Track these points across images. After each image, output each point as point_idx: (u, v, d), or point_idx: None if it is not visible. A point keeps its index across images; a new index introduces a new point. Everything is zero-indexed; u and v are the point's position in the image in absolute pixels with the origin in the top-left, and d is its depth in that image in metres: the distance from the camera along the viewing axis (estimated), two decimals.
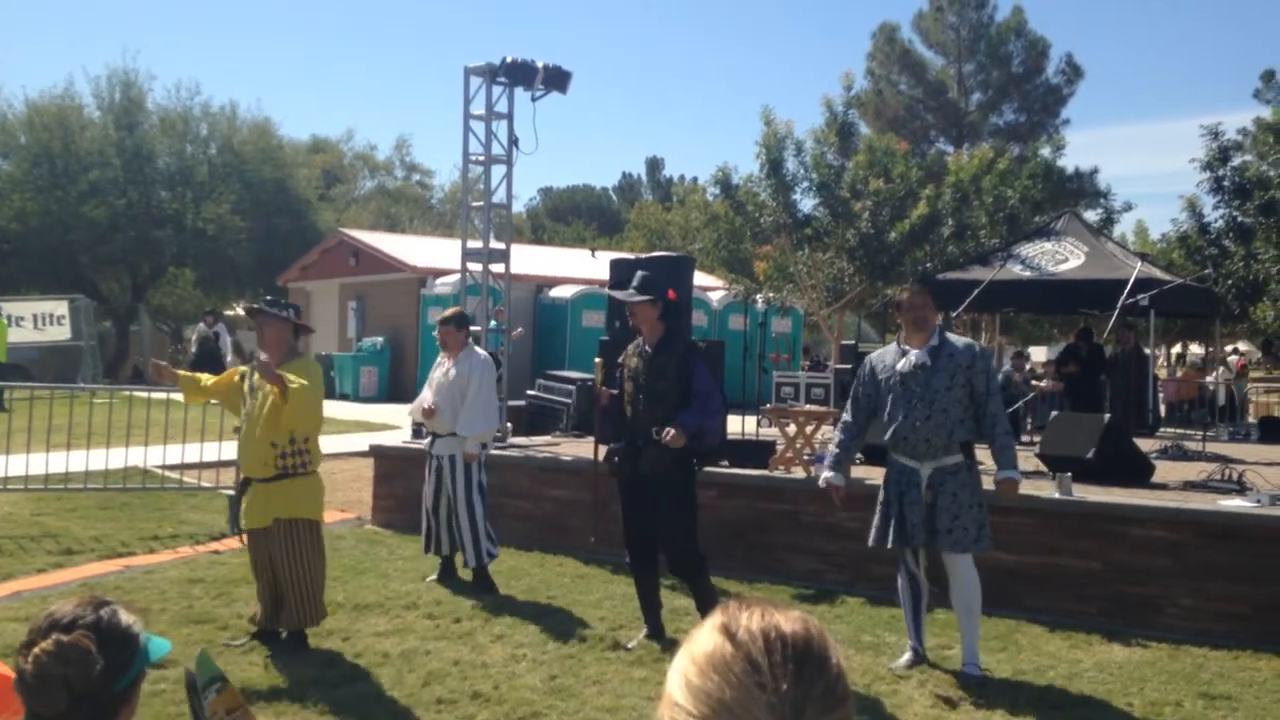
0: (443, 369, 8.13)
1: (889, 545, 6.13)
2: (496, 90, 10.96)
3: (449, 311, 8.60)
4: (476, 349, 8.35)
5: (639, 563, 6.60)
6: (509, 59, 10.76)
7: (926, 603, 6.32)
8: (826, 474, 6.40)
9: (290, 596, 6.25)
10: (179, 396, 7.41)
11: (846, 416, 6.42)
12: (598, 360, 6.75)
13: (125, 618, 1.98)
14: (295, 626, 6.32)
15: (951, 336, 6.20)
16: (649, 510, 6.43)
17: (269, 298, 6.82)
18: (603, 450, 6.85)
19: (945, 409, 5.91)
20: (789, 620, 1.23)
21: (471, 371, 8.00)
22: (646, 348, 6.52)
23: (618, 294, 6.57)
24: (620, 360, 6.74)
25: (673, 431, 6.12)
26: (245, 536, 6.52)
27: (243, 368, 6.68)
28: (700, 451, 6.48)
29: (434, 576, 8.14)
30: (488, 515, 8.06)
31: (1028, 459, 9.86)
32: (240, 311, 40.21)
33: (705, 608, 5.84)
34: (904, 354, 6.10)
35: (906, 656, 6.25)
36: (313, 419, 6.36)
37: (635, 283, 6.59)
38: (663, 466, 6.31)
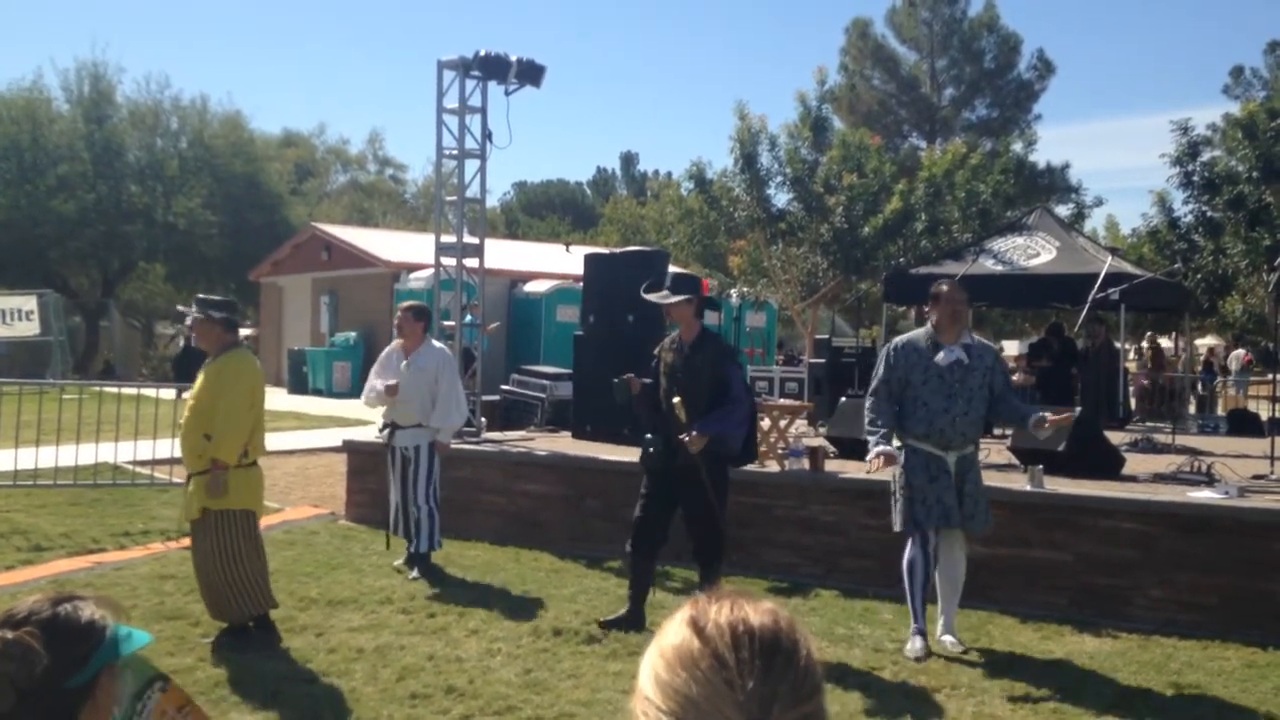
0: (401, 362, 8.13)
1: (922, 527, 6.23)
2: (470, 84, 10.91)
3: (413, 301, 8.67)
4: (435, 342, 8.42)
5: (641, 549, 6.67)
6: (482, 53, 10.72)
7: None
8: (880, 447, 6.29)
9: (227, 590, 6.13)
10: (149, 391, 7.35)
11: (877, 400, 6.40)
12: (628, 377, 6.78)
13: (88, 613, 1.96)
14: (224, 618, 6.19)
15: (977, 337, 6.59)
16: (670, 501, 6.56)
17: (198, 297, 6.75)
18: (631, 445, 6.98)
19: (979, 405, 6.28)
20: (758, 613, 1.22)
21: (440, 367, 8.11)
22: (685, 346, 6.60)
23: (653, 297, 6.63)
24: (656, 353, 6.83)
25: (691, 436, 6.33)
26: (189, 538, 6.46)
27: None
28: (720, 455, 6.54)
29: (401, 561, 8.21)
30: (439, 504, 8.25)
31: (1000, 452, 9.95)
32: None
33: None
34: (937, 348, 6.27)
35: (918, 642, 6.24)
36: (237, 430, 6.20)
37: (668, 283, 6.70)
38: (694, 461, 6.42)
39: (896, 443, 6.39)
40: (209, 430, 6.14)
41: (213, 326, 6.37)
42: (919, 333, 6.52)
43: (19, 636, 1.87)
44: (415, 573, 8.03)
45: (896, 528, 6.41)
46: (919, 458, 6.28)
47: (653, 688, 1.19)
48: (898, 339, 6.64)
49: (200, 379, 6.30)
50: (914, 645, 6.25)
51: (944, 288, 6.43)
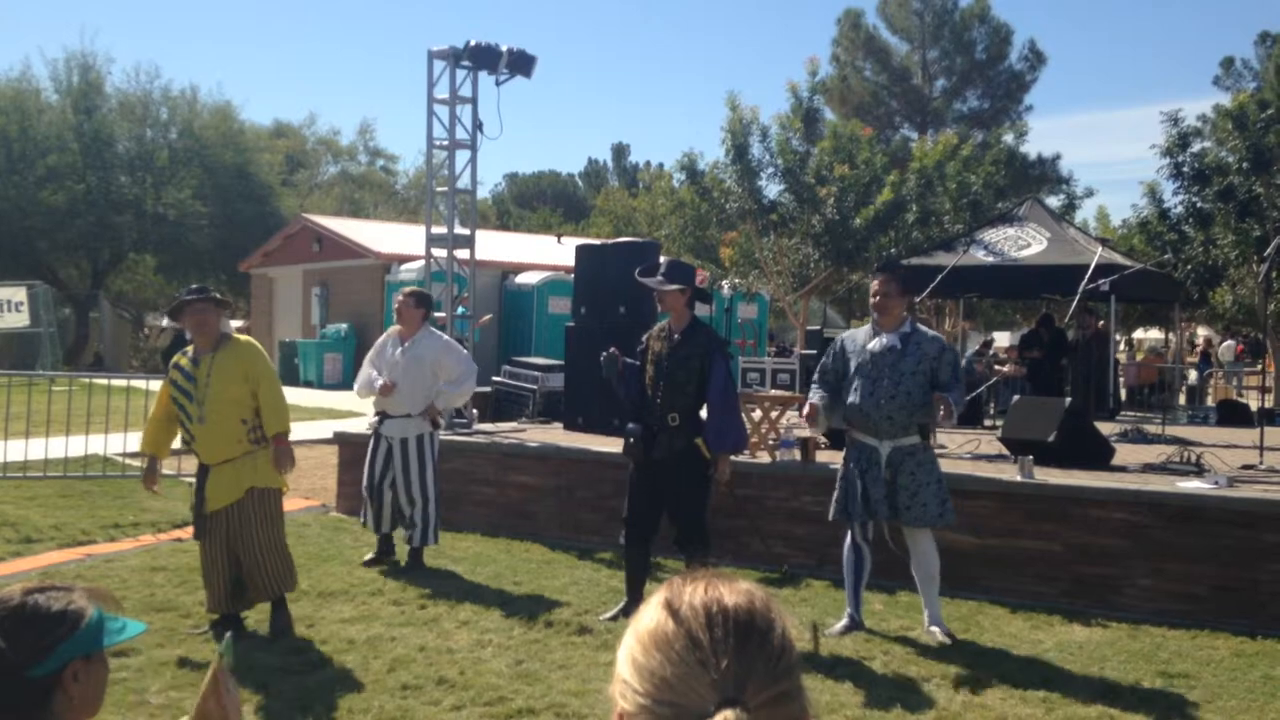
0: (398, 349, 8.03)
1: (851, 519, 6.46)
2: (460, 74, 10.89)
3: (415, 287, 8.59)
4: (434, 330, 8.33)
5: (634, 540, 6.69)
6: (473, 43, 10.70)
7: (868, 575, 6.64)
8: (814, 399, 6.57)
9: (265, 565, 6.26)
10: (139, 383, 7.34)
11: (819, 379, 6.67)
12: (615, 351, 6.77)
13: (60, 603, 1.94)
14: (275, 594, 6.34)
15: (922, 327, 6.53)
16: (657, 491, 6.57)
17: (192, 287, 6.72)
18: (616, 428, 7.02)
19: (909, 391, 6.24)
20: (733, 593, 1.22)
21: (440, 354, 8.04)
22: (675, 334, 6.60)
23: (648, 281, 6.63)
24: (644, 340, 6.81)
25: (719, 467, 6.52)
26: (199, 524, 6.43)
27: (175, 374, 6.43)
28: (699, 451, 6.59)
29: (371, 556, 8.12)
30: (440, 500, 8.17)
31: (990, 443, 9.97)
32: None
33: None
34: (876, 335, 6.42)
35: (843, 622, 6.57)
36: (285, 403, 6.50)
37: (663, 270, 6.67)
38: (675, 452, 6.49)
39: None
40: (248, 414, 6.25)
41: (219, 313, 6.42)
42: (867, 325, 6.72)
43: None
44: (407, 563, 8.02)
45: (829, 517, 6.65)
46: (855, 449, 6.47)
47: (630, 670, 1.20)
48: (845, 333, 6.89)
49: (206, 370, 6.22)
50: (837, 624, 6.54)
51: (872, 280, 6.62)
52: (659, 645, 1.18)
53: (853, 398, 6.39)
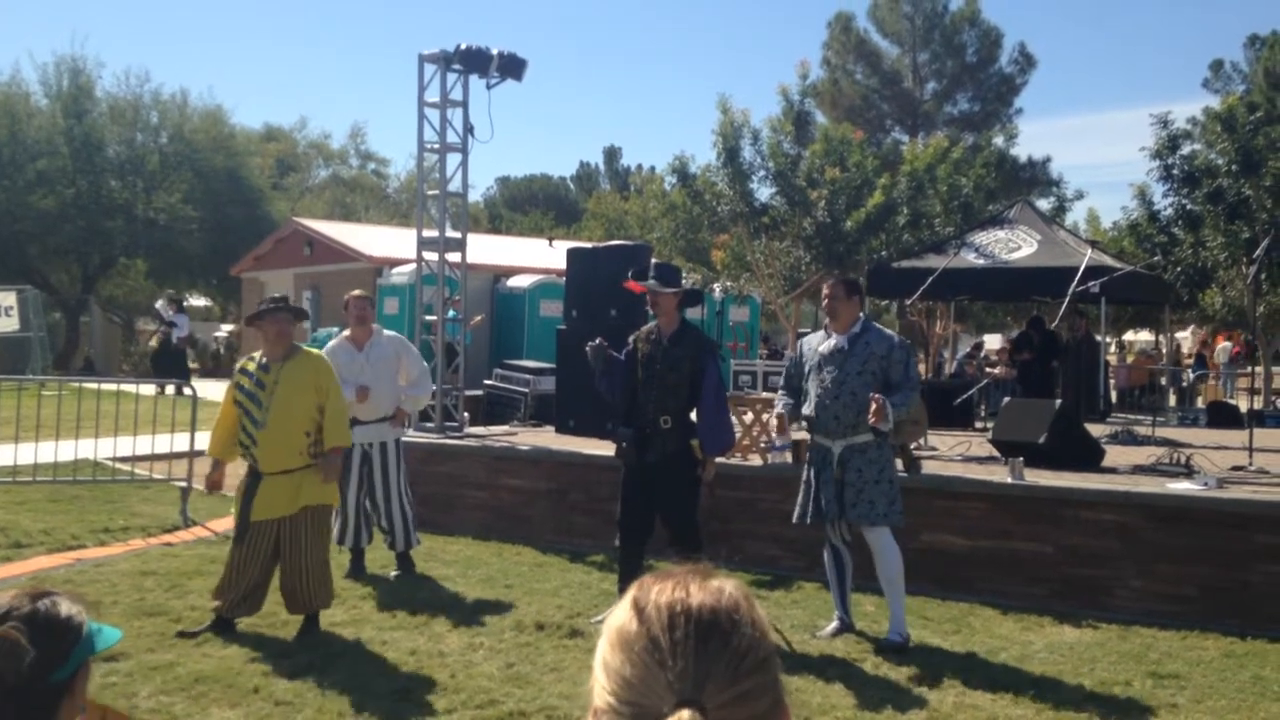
0: (355, 357, 7.85)
1: (808, 522, 6.52)
2: (451, 78, 10.88)
3: (360, 291, 8.41)
4: (384, 330, 8.26)
5: (628, 543, 6.68)
6: (463, 46, 10.70)
7: (851, 576, 6.66)
8: (778, 408, 6.72)
9: (310, 582, 6.33)
10: (129, 387, 7.34)
11: (784, 381, 6.81)
12: (603, 342, 6.79)
13: (66, 608, 1.97)
14: (313, 609, 6.41)
15: (878, 327, 6.55)
16: (649, 494, 6.58)
17: (273, 297, 6.79)
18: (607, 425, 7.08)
19: (854, 391, 6.26)
20: (701, 591, 1.22)
21: (400, 351, 8.10)
22: (663, 338, 6.61)
23: (641, 284, 6.65)
24: (631, 342, 6.82)
25: (707, 466, 6.58)
26: (241, 528, 6.37)
27: (242, 378, 6.49)
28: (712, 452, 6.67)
29: (347, 572, 7.93)
30: (413, 501, 8.21)
31: (980, 444, 9.98)
32: (199, 303, 39.74)
33: None
34: (828, 338, 6.50)
35: (833, 625, 6.62)
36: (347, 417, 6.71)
37: (654, 273, 6.72)
38: (668, 454, 6.52)
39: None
40: (311, 427, 6.35)
41: (295, 323, 6.56)
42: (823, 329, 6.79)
43: (4, 632, 1.88)
44: (395, 572, 7.98)
45: (793, 520, 6.70)
46: (813, 451, 6.53)
47: (600, 668, 1.22)
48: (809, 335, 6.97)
49: (275, 378, 6.30)
50: (827, 628, 6.60)
51: (823, 283, 6.75)
52: (623, 645, 1.20)
53: (808, 401, 6.45)
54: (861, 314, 6.55)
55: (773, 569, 8.30)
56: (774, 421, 6.69)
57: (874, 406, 6.03)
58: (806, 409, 6.47)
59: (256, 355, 6.53)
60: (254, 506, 6.31)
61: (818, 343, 6.56)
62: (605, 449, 8.87)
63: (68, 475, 10.65)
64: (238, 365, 6.65)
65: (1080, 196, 64.00)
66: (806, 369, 6.52)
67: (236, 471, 6.67)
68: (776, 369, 18.86)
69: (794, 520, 6.68)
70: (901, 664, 6.00)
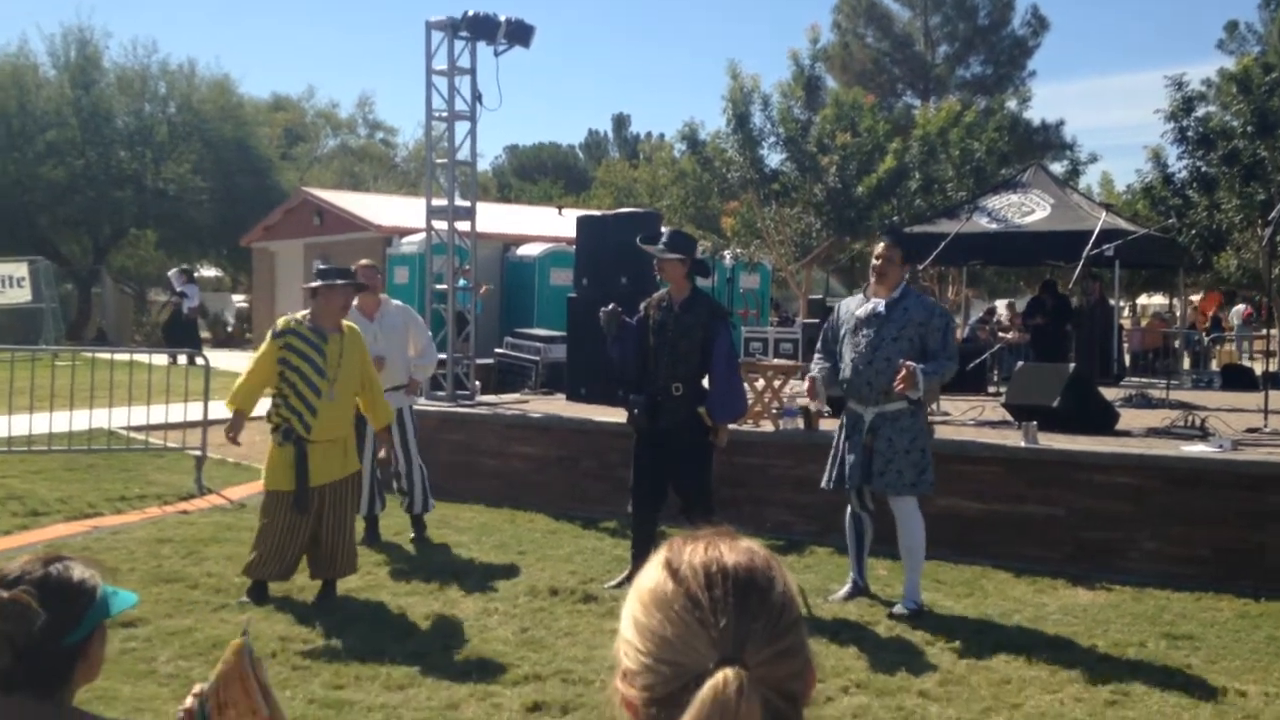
0: (369, 331, 7.66)
1: (832, 488, 6.49)
2: (459, 45, 10.81)
3: (368, 260, 8.38)
4: (390, 300, 8.30)
5: (642, 509, 6.71)
6: (471, 13, 10.62)
7: (869, 542, 6.65)
8: (813, 371, 6.62)
9: (345, 545, 6.47)
10: (141, 357, 7.38)
11: (820, 345, 6.69)
12: (617, 307, 6.77)
13: (78, 572, 1.98)
14: (344, 573, 6.54)
15: (918, 294, 6.47)
16: (662, 461, 6.59)
17: (323, 267, 6.86)
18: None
19: (889, 357, 6.14)
20: (733, 552, 1.23)
21: (408, 321, 8.16)
22: (675, 305, 6.59)
23: (649, 249, 6.64)
24: (643, 308, 6.80)
25: (717, 434, 6.57)
26: (303, 496, 6.32)
27: (298, 342, 6.35)
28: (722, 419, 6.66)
29: (362, 539, 7.84)
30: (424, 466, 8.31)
31: (994, 409, 9.96)
32: (209, 273, 39.77)
33: None
34: (866, 301, 6.41)
35: (846, 588, 6.61)
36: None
37: (664, 239, 6.70)
38: (679, 421, 6.51)
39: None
40: (358, 395, 6.59)
41: (348, 293, 6.65)
42: (862, 293, 6.72)
43: (15, 595, 1.90)
44: (413, 536, 8.06)
45: (821, 484, 6.66)
46: (846, 416, 6.47)
47: (631, 630, 1.21)
48: (845, 299, 6.90)
49: (338, 349, 6.37)
50: (841, 590, 6.60)
51: (878, 244, 6.59)
52: (659, 605, 1.19)
53: (843, 365, 6.38)
54: (905, 278, 6.47)
55: (786, 534, 8.31)
56: (806, 384, 6.62)
57: (902, 372, 5.93)
58: (842, 374, 6.38)
59: (300, 317, 6.46)
60: (311, 473, 6.31)
61: (855, 305, 6.48)
62: (616, 416, 8.88)
63: (83, 444, 10.70)
64: (280, 325, 6.48)
65: (1094, 159, 63.26)
66: (842, 332, 6.43)
67: (251, 440, 6.69)
68: (788, 335, 18.82)
69: (822, 485, 6.63)
70: (915, 627, 6.01)
